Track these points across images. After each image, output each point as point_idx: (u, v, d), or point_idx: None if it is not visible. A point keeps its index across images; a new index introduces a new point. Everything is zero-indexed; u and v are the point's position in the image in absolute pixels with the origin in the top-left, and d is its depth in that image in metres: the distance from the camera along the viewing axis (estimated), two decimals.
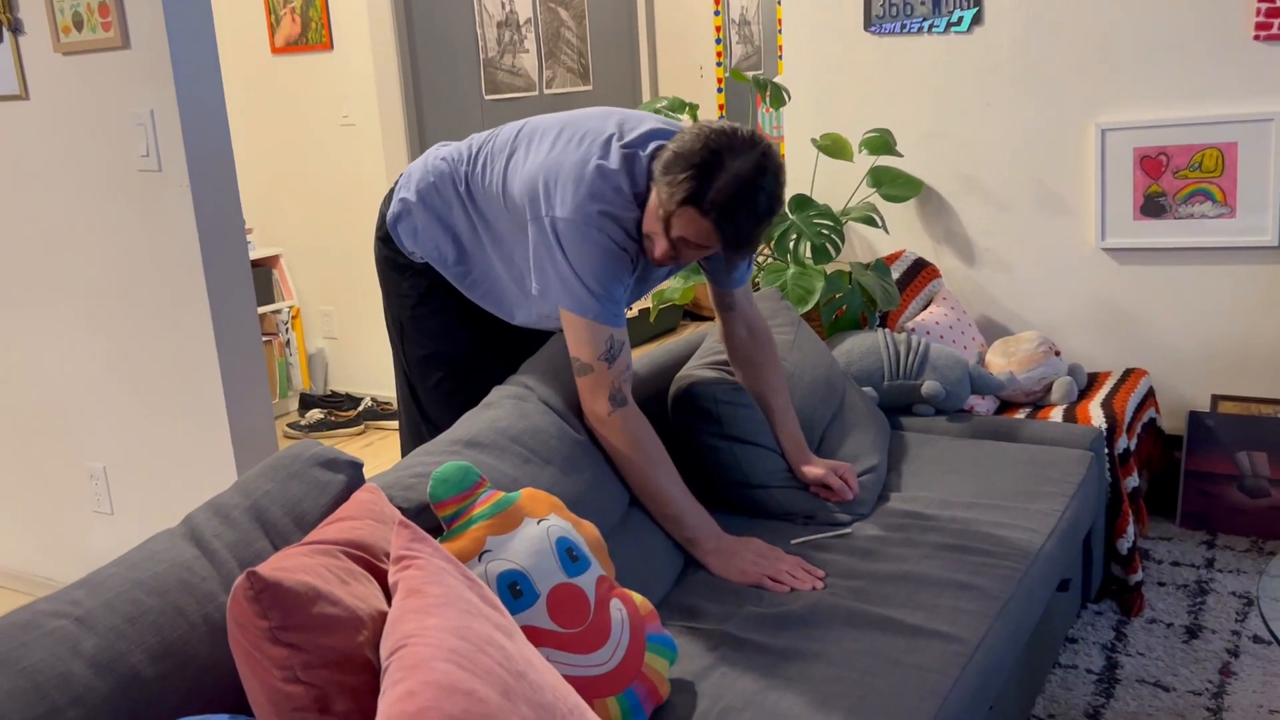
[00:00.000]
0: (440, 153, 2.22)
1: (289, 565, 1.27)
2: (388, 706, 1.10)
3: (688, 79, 6.31)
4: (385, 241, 2.26)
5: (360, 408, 4.53)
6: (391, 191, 2.27)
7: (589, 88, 5.59)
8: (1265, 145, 2.95)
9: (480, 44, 4.89)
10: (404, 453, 2.42)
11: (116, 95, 2.62)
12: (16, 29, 2.71)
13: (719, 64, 6.32)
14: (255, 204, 4.87)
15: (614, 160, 1.93)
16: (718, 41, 6.30)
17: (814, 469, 2.25)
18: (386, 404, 4.59)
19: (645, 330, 5.53)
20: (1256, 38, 2.93)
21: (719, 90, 6.35)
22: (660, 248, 1.91)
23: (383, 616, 1.29)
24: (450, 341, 2.27)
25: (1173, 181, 3.08)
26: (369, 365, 4.83)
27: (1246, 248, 3.04)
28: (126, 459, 2.92)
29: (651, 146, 1.95)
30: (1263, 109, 2.95)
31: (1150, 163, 3.09)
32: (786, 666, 1.68)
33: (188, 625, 1.33)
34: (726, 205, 1.81)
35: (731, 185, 1.80)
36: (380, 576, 1.39)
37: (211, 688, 1.32)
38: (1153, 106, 3.08)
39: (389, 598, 1.34)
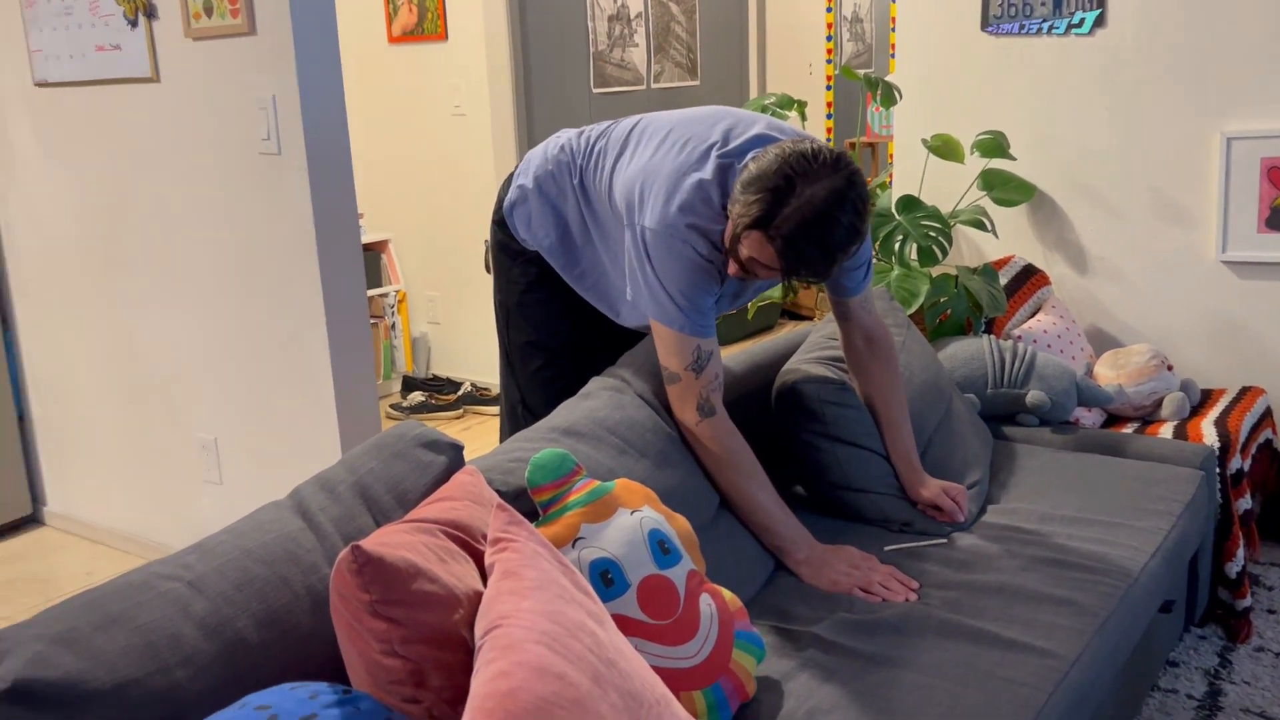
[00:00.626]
0: (561, 141, 2.21)
1: (391, 541, 1.30)
2: (481, 684, 1.12)
3: (797, 76, 6.26)
4: (500, 226, 2.29)
5: (460, 392, 4.62)
6: (511, 176, 2.29)
7: (696, 83, 5.59)
8: None
9: (591, 37, 4.93)
10: (502, 432, 2.46)
11: (241, 80, 2.71)
12: (151, 14, 2.83)
13: (829, 61, 6.25)
14: (367, 189, 4.99)
15: (709, 170, 1.90)
16: (828, 38, 6.24)
17: (927, 490, 2.20)
18: (485, 389, 4.67)
19: (742, 327, 5.52)
20: None
21: (828, 88, 6.29)
22: (732, 265, 1.86)
23: (478, 596, 1.32)
24: (553, 331, 2.29)
25: None
26: (470, 351, 4.92)
27: None
28: (237, 431, 3.02)
29: (749, 157, 1.89)
30: None
31: (1278, 173, 2.97)
32: (875, 672, 1.66)
33: (292, 594, 1.38)
34: (793, 234, 1.74)
35: (801, 213, 1.73)
36: (477, 557, 1.41)
37: (312, 656, 1.37)
38: None
39: (484, 578, 1.36)
